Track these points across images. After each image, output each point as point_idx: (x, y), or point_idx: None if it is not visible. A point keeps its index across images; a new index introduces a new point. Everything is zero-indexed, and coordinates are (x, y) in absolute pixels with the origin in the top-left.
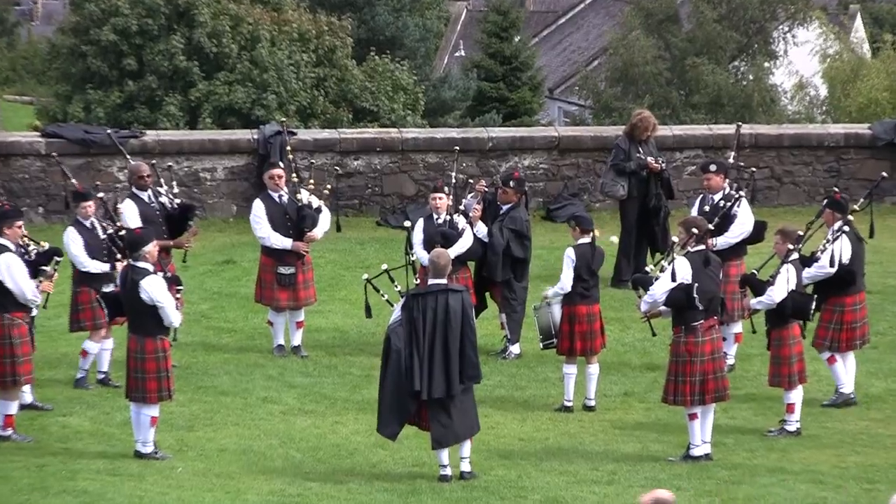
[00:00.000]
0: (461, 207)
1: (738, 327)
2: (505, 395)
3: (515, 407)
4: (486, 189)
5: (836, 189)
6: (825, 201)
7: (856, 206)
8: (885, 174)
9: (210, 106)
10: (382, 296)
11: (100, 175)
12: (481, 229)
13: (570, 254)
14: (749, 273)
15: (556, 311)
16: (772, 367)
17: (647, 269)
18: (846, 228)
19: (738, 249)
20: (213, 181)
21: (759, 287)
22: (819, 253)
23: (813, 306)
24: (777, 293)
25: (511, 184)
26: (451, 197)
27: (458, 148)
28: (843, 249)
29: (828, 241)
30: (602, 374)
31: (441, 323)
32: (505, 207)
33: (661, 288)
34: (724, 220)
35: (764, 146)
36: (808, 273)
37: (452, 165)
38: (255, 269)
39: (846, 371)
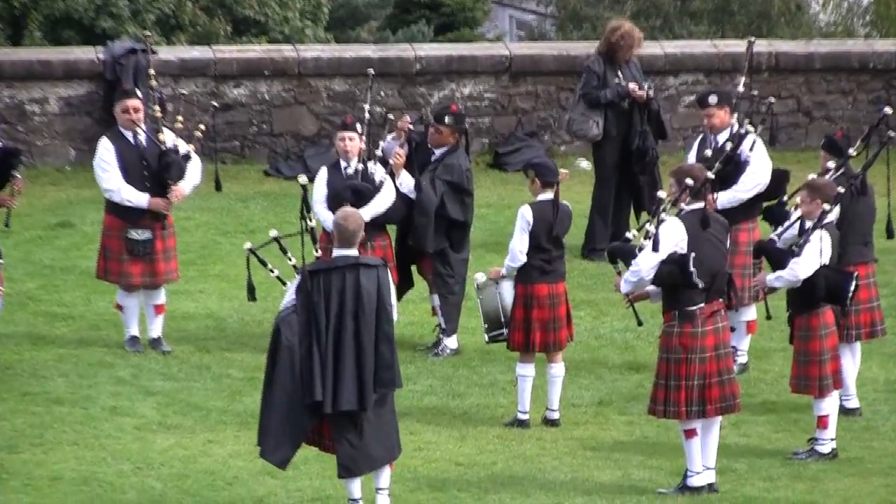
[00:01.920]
0: (378, 152)
1: (750, 313)
2: (438, 404)
3: (452, 421)
4: (413, 127)
5: (842, 127)
6: (822, 141)
7: (852, 151)
8: (888, 108)
9: (39, 15)
10: (271, 272)
11: None
12: (406, 181)
13: (525, 213)
14: (766, 240)
15: (507, 292)
16: (796, 368)
17: (630, 234)
18: (830, 217)
19: (750, 209)
20: (44, 116)
21: (779, 258)
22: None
23: (853, 286)
24: (804, 267)
25: (446, 120)
26: (364, 138)
27: (373, 72)
28: (823, 247)
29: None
30: (569, 377)
31: (350, 309)
32: (438, 152)
33: (647, 260)
34: (732, 168)
35: (787, 69)
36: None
37: (366, 95)
38: (99, 235)
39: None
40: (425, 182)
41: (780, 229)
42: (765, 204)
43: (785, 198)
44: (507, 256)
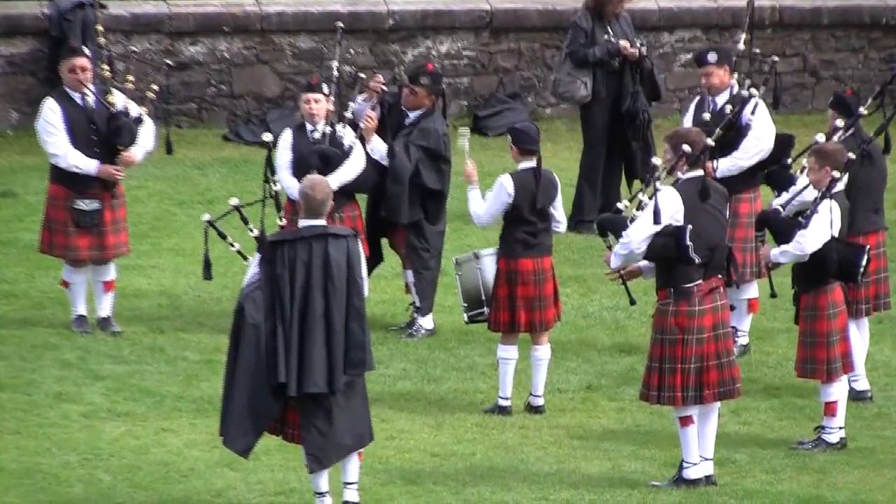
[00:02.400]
0: (348, 115)
1: (752, 290)
2: (412, 389)
3: (427, 408)
4: (385, 88)
5: (852, 87)
6: (830, 99)
7: (863, 109)
8: None
9: None
10: (231, 245)
11: None
12: (378, 147)
13: (504, 184)
14: (769, 210)
15: (489, 268)
16: (801, 350)
17: (621, 205)
18: (840, 185)
19: (751, 177)
20: None
21: (784, 230)
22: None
23: (864, 260)
24: (811, 240)
25: (422, 80)
26: (332, 100)
27: (342, 27)
28: (833, 218)
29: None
30: (555, 360)
31: (318, 283)
32: (413, 115)
33: (639, 233)
34: (733, 133)
35: (792, 25)
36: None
37: (335, 53)
38: (42, 206)
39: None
40: (399, 148)
41: (784, 197)
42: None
43: (789, 161)
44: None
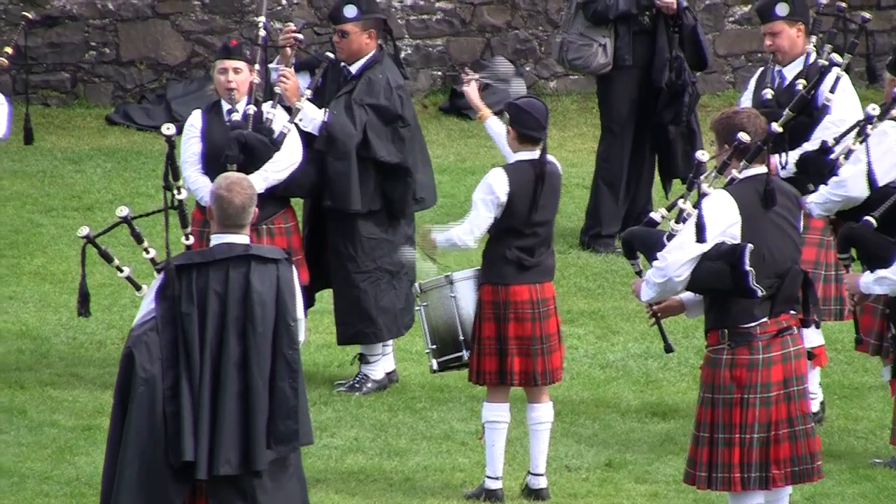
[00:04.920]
0: (277, 89)
1: (815, 336)
2: (367, 466)
3: (388, 492)
4: (300, 37)
5: None
6: (889, 59)
7: None
8: None
9: None
10: (119, 269)
11: None
12: (310, 114)
13: (495, 180)
14: (858, 223)
15: (467, 296)
16: None
17: (655, 215)
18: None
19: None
20: None
21: (880, 251)
22: (840, 155)
23: None
24: None
25: (346, 14)
26: (257, 68)
27: None
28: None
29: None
30: (563, 426)
31: (234, 324)
32: (355, 68)
33: (680, 254)
34: (805, 116)
35: None
36: (819, 195)
37: (262, 3)
38: None
39: None
40: (337, 108)
41: (882, 207)
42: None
43: (831, 142)
44: (453, 229)
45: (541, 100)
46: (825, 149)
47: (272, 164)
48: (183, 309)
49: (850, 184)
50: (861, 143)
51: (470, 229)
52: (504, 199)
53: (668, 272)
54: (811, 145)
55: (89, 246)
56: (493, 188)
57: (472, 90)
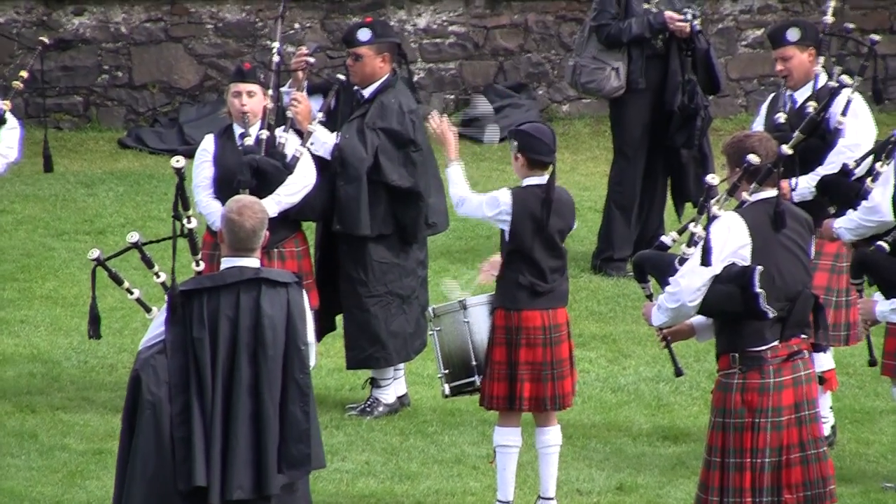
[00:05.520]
0: (289, 113)
1: (826, 360)
2: (378, 490)
3: None
4: (311, 60)
5: None
6: None
7: None
8: None
9: None
10: (129, 292)
11: None
12: (322, 138)
13: (501, 201)
14: (871, 248)
15: (480, 321)
16: None
17: (667, 238)
18: None
19: None
20: None
21: (894, 276)
22: (863, 175)
23: None
24: None
25: (360, 37)
26: (271, 93)
27: None
28: None
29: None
30: (574, 450)
31: (246, 348)
32: (369, 90)
33: (694, 278)
34: (817, 139)
35: None
36: (849, 221)
37: (275, 29)
38: None
39: None
40: (349, 132)
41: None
42: (822, 171)
43: (851, 164)
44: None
45: (547, 124)
46: (846, 171)
47: (285, 188)
48: (194, 334)
49: (884, 208)
50: (887, 164)
51: (468, 192)
52: (509, 212)
53: (681, 297)
54: (826, 169)
55: (100, 269)
56: (501, 204)
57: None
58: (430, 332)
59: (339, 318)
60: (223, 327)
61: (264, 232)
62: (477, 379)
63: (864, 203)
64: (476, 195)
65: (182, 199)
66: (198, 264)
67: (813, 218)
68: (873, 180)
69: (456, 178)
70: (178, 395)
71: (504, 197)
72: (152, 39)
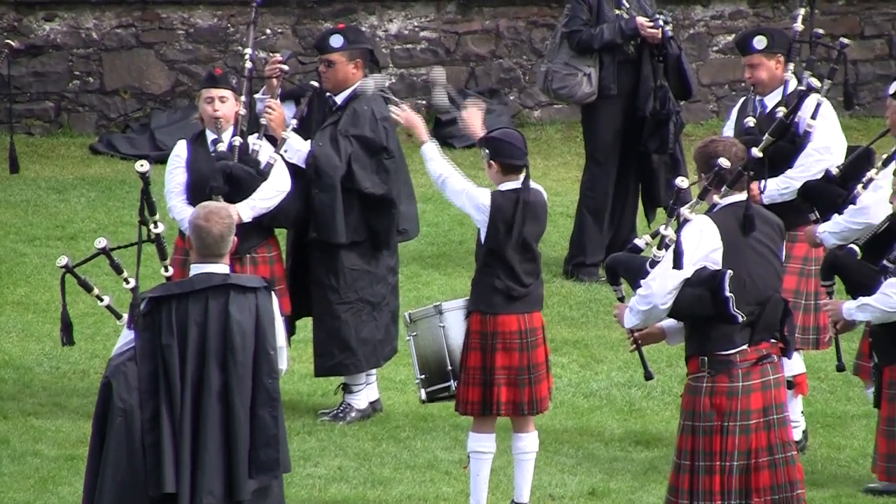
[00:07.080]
0: (263, 120)
1: (797, 364)
2: (351, 496)
3: None
4: (285, 68)
5: None
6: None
7: None
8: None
9: None
10: (100, 298)
11: None
12: (295, 146)
13: (481, 202)
14: (841, 251)
15: (455, 326)
16: (885, 443)
17: (640, 241)
18: None
19: None
20: None
21: (863, 280)
22: (859, 185)
23: None
24: None
25: (332, 43)
26: (243, 99)
27: None
28: None
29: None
30: (547, 455)
31: (215, 354)
32: (342, 97)
33: (666, 281)
34: (786, 142)
35: None
36: (835, 224)
37: (247, 34)
38: None
39: None
40: (323, 140)
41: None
42: (792, 174)
43: (833, 170)
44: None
45: (517, 129)
46: (830, 178)
47: (259, 193)
48: (163, 340)
49: (872, 210)
50: (881, 170)
51: (448, 170)
52: (487, 210)
53: (653, 300)
54: (796, 172)
55: (69, 275)
56: (478, 199)
57: (472, 116)
58: (407, 338)
59: (304, 324)
60: (192, 333)
61: (232, 237)
62: (452, 384)
63: (851, 206)
64: (459, 178)
65: (148, 204)
66: (167, 269)
67: (785, 222)
68: (864, 187)
69: (432, 154)
70: (147, 401)
71: (484, 198)
72: (123, 45)
